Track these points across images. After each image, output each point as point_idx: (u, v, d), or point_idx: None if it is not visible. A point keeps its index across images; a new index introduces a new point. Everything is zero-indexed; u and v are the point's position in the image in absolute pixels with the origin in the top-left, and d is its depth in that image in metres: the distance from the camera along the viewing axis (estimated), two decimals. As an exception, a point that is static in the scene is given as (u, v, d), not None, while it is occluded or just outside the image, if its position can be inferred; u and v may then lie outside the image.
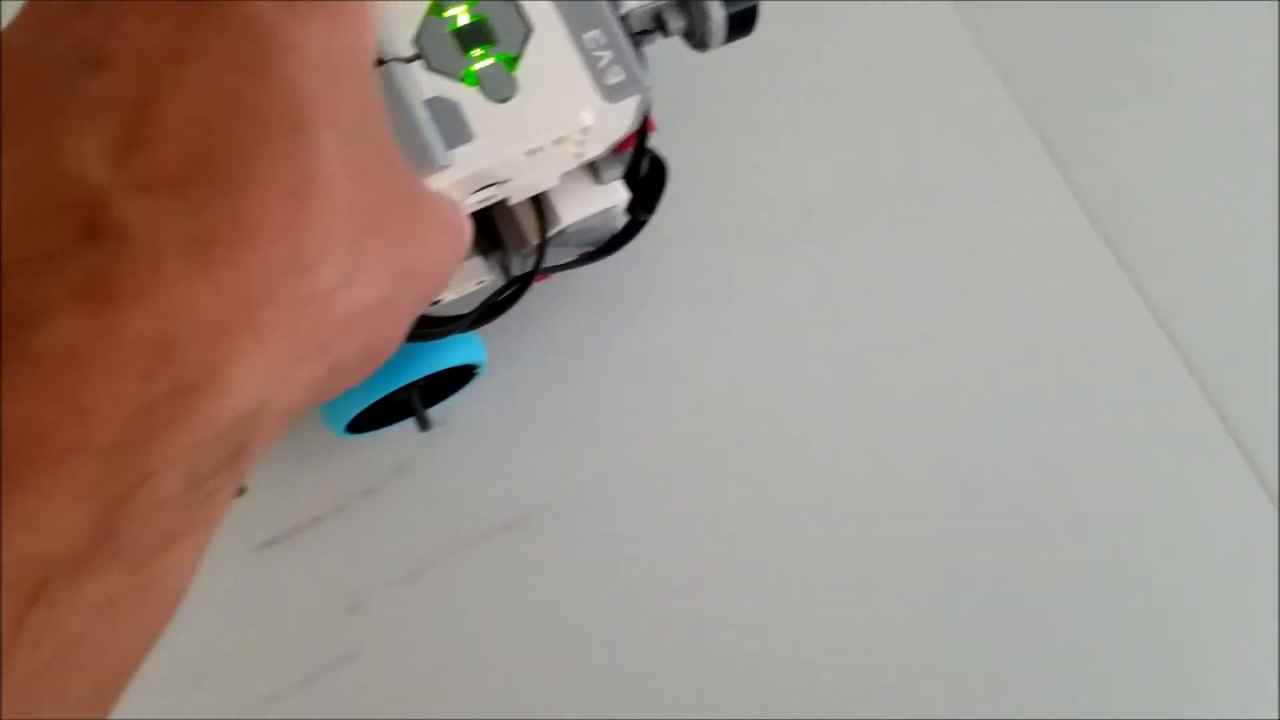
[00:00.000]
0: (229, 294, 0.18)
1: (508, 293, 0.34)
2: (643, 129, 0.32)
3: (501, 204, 0.33)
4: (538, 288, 0.35)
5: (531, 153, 0.28)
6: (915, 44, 0.48)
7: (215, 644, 0.37)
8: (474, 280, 0.35)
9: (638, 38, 0.32)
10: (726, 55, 0.34)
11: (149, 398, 0.17)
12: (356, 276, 0.20)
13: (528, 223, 0.34)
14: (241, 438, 0.19)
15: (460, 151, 0.27)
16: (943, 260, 0.44)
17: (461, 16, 0.28)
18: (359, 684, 0.37)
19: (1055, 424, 0.43)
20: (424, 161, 0.26)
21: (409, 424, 0.38)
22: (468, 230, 0.27)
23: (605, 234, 0.36)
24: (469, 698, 0.38)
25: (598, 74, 0.28)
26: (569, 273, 0.38)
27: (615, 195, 0.33)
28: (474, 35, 0.28)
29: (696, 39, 0.32)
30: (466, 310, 0.34)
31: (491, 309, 0.34)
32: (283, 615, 0.38)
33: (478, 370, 0.37)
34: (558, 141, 0.28)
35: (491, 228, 0.35)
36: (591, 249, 0.37)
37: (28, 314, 0.17)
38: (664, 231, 0.40)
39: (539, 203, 0.33)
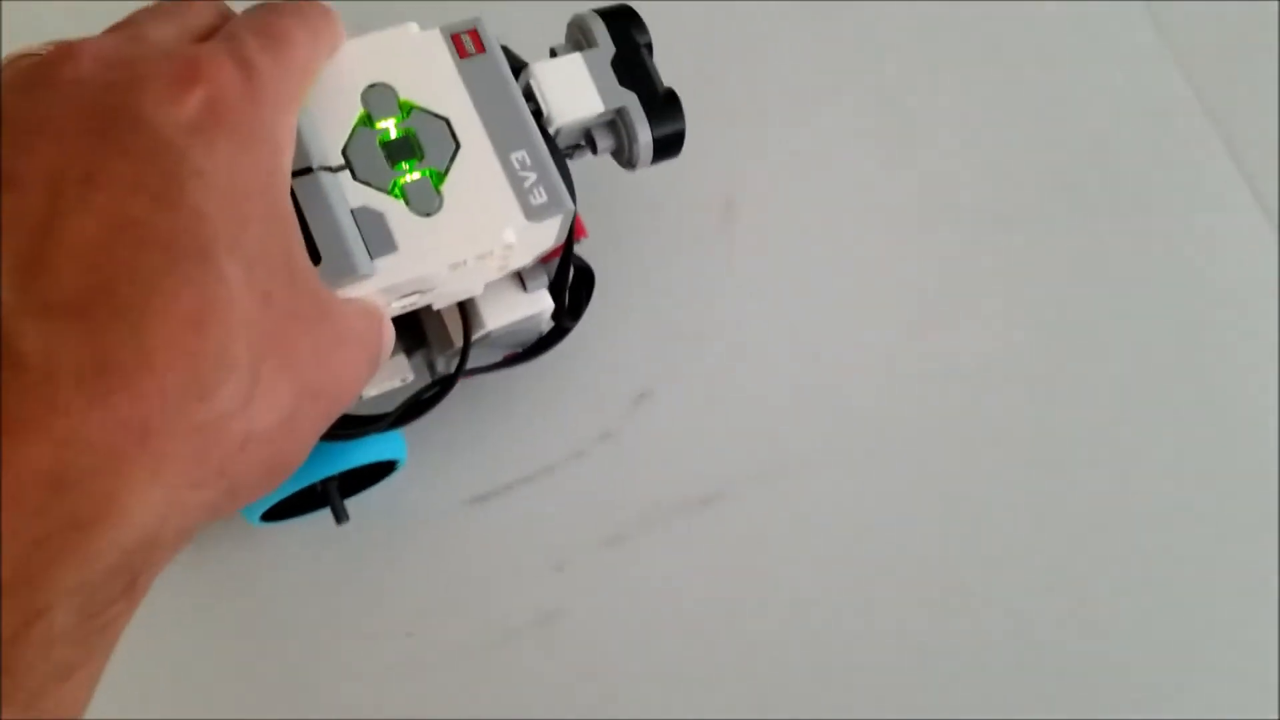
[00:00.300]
0: (125, 422, 0.18)
1: (430, 392, 0.34)
2: (569, 241, 0.33)
3: (427, 306, 0.34)
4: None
5: (454, 266, 0.28)
6: (1101, 42, 0.50)
7: (428, 593, 0.39)
8: (397, 378, 0.35)
9: (567, 152, 0.33)
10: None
11: (43, 532, 0.17)
12: (257, 400, 0.21)
13: (453, 324, 0.34)
14: (136, 568, 0.19)
15: (383, 262, 0.27)
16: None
17: (391, 130, 0.28)
18: (561, 641, 0.39)
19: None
20: (347, 270, 0.27)
21: (612, 393, 0.41)
22: (386, 340, 0.28)
23: (531, 336, 0.37)
24: (665, 662, 0.39)
25: (522, 194, 0.29)
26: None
27: (540, 303, 0.34)
28: (402, 149, 0.28)
29: (624, 159, 0.33)
30: (388, 407, 0.34)
31: (412, 409, 0.34)
32: (492, 569, 0.39)
33: (397, 465, 0.38)
34: (481, 256, 0.29)
35: (417, 327, 0.35)
36: (517, 350, 0.38)
37: None
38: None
39: (464, 306, 0.34)
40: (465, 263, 0.29)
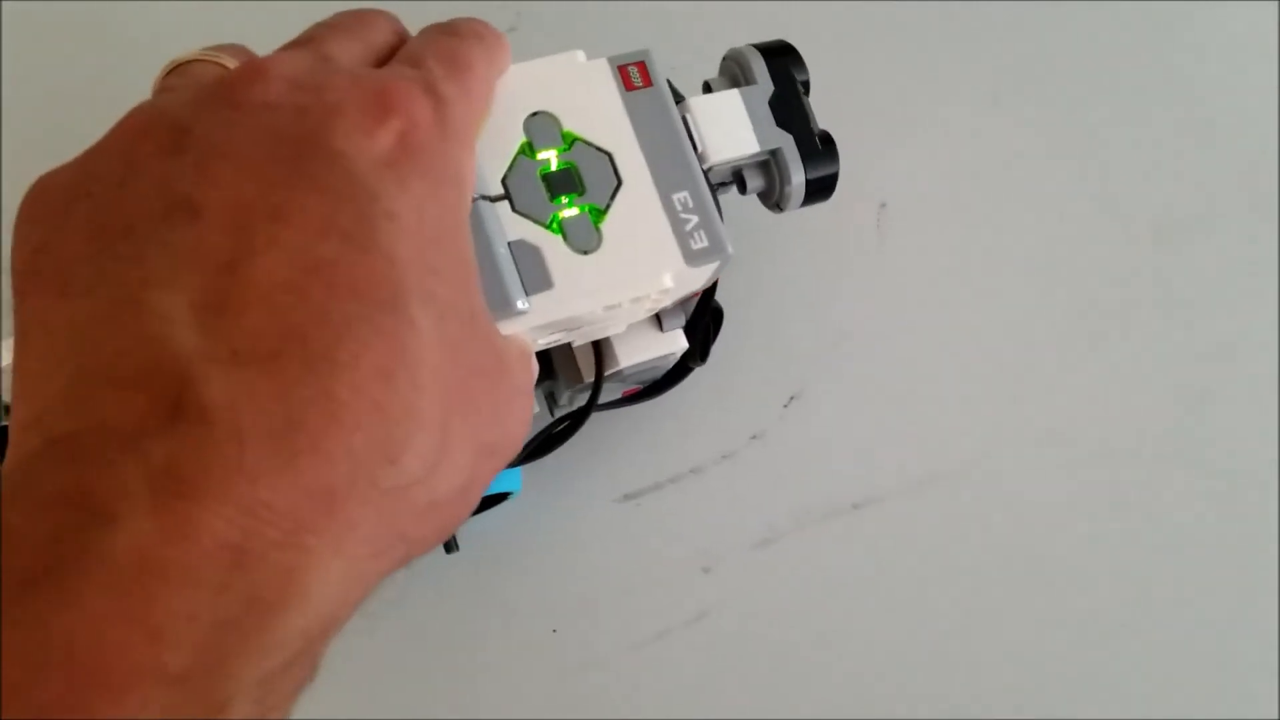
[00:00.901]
0: (311, 488, 0.17)
1: (560, 427, 0.33)
2: (713, 285, 0.32)
3: (562, 341, 0.33)
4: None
5: (609, 307, 0.28)
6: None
7: (574, 590, 0.39)
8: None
9: (714, 189, 0.32)
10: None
11: (224, 614, 0.16)
12: (443, 463, 0.19)
13: (584, 360, 0.33)
14: (315, 652, 0.18)
15: (539, 299, 0.26)
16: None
17: (553, 161, 0.27)
18: (708, 643, 0.39)
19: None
20: (503, 305, 0.26)
21: (763, 394, 0.41)
22: (534, 379, 0.27)
23: (657, 374, 0.36)
24: (812, 667, 0.38)
25: (683, 236, 0.28)
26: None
27: (675, 343, 0.33)
28: (563, 182, 0.27)
29: (773, 201, 0.32)
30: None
31: (545, 443, 0.33)
32: (639, 568, 0.39)
33: (510, 496, 0.37)
34: (636, 299, 0.28)
35: (545, 359, 0.34)
36: (638, 387, 0.37)
37: (102, 506, 0.15)
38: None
39: (598, 342, 0.33)
40: (620, 305, 0.28)
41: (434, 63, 0.23)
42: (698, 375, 0.38)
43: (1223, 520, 0.41)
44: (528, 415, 0.24)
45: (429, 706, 0.37)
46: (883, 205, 0.44)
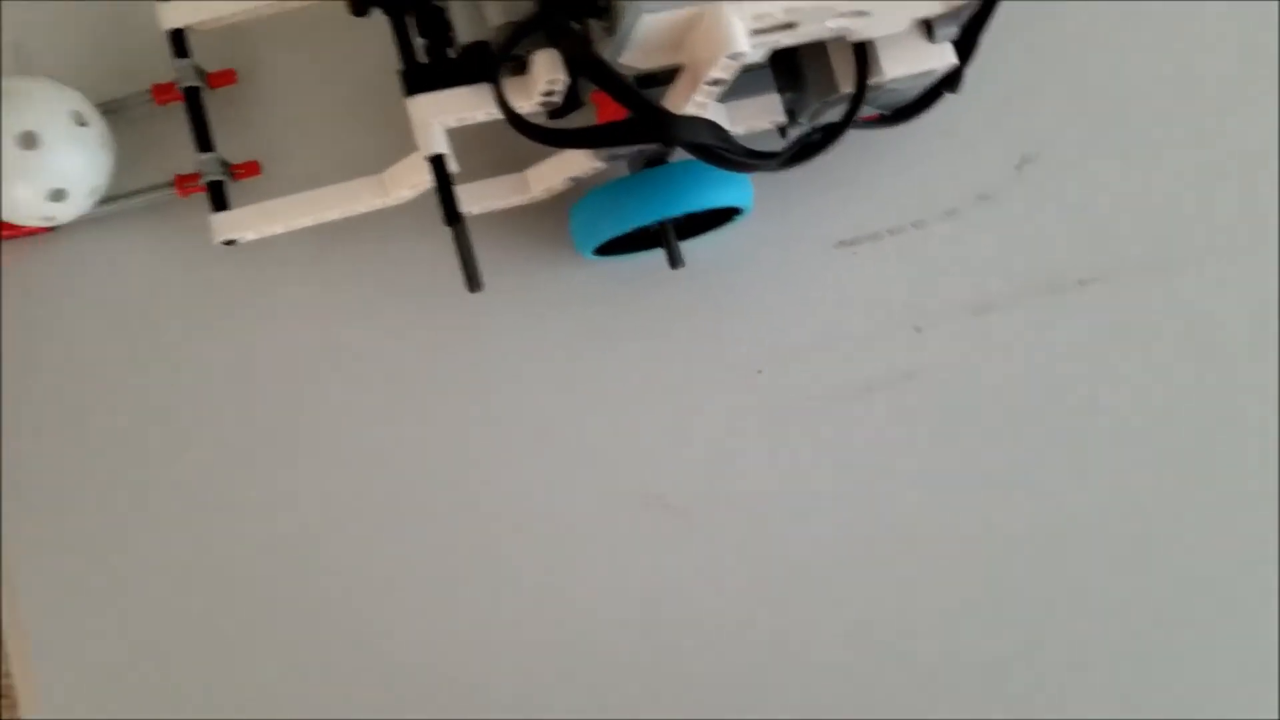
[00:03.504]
0: None
1: (816, 137, 0.32)
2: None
3: (818, 46, 0.31)
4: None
5: None
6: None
7: (785, 333, 0.38)
8: (767, 119, 0.33)
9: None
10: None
11: None
12: None
13: (841, 70, 0.31)
14: None
15: None
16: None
17: None
18: (915, 405, 0.37)
19: None
20: None
21: (995, 151, 0.39)
22: None
23: (905, 98, 0.34)
24: (1021, 449, 0.37)
25: None
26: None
27: (944, 57, 0.31)
28: None
29: None
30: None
31: (803, 151, 0.32)
32: (850, 318, 0.38)
33: (741, 214, 0.35)
34: None
35: (795, 66, 0.32)
36: (879, 114, 0.35)
37: None
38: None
39: (861, 50, 0.31)
40: None
41: None
42: (927, 124, 0.36)
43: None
44: None
45: (629, 413, 0.37)
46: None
